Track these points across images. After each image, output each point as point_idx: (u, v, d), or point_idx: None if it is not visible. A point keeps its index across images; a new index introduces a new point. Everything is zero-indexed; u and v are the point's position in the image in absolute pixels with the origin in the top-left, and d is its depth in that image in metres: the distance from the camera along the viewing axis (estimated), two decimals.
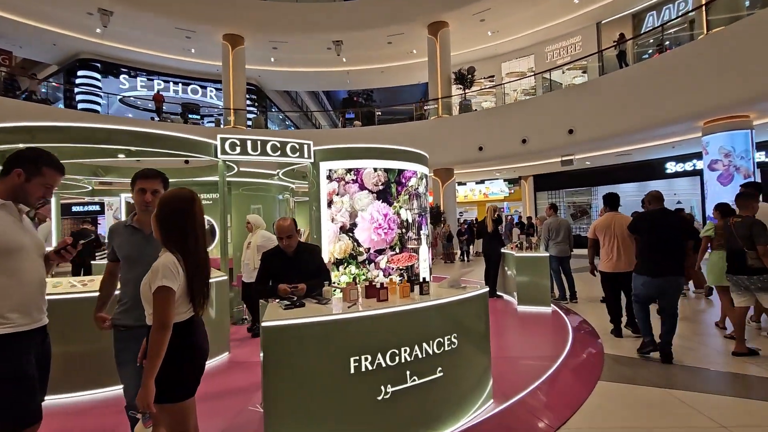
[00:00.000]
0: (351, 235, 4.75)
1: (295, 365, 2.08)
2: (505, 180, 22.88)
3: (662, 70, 11.26)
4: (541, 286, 6.09)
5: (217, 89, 23.64)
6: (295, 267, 2.77)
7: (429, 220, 5.67)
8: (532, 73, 18.75)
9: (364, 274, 4.76)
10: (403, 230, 5.02)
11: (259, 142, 4.46)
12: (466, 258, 15.56)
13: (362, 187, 4.81)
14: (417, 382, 2.39)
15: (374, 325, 2.29)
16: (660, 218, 3.91)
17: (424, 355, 2.43)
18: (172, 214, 1.68)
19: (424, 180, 5.47)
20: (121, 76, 23.00)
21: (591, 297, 7.11)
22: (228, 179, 6.10)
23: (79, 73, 21.54)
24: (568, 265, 6.81)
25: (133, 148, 3.83)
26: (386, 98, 31.63)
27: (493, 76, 22.08)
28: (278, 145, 4.58)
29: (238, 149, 4.34)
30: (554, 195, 21.40)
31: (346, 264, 4.73)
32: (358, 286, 2.73)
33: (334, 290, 2.71)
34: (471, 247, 16.34)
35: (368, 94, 34.33)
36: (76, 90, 21.05)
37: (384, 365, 2.28)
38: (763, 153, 14.05)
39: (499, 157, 16.13)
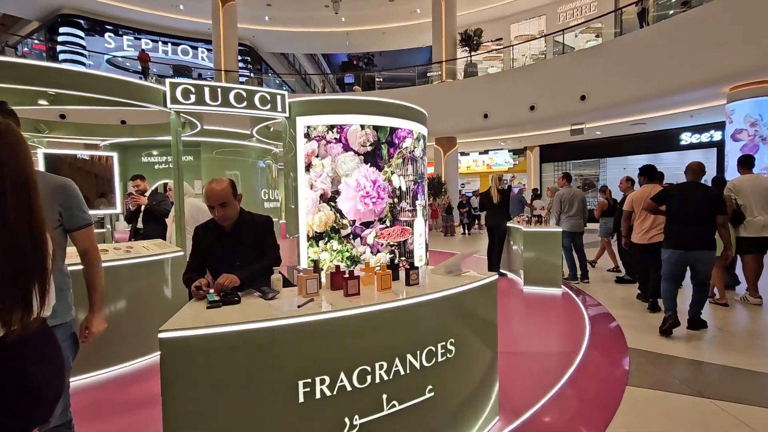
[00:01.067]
0: (333, 204, 4.02)
1: (212, 396, 1.39)
2: (509, 150, 21.89)
3: (685, 31, 10.22)
4: (552, 265, 5.42)
5: (208, 50, 22.32)
6: (235, 247, 2.05)
7: (427, 189, 4.92)
8: (543, 35, 17.41)
9: (348, 251, 4.07)
10: (395, 200, 4.28)
11: (219, 90, 3.65)
12: (467, 231, 14.89)
13: (347, 148, 4.04)
14: (397, 408, 1.72)
15: (337, 333, 1.60)
16: (692, 191, 3.76)
17: (408, 371, 1.75)
18: None
19: (421, 141, 4.67)
20: (106, 35, 21.67)
21: (603, 277, 6.45)
22: (195, 139, 5.31)
23: (62, 30, 20.27)
24: (580, 242, 6.12)
25: (52, 91, 3.04)
26: (388, 64, 30.12)
27: (501, 39, 20.72)
28: (243, 94, 3.77)
29: (192, 98, 3.55)
30: (561, 167, 20.50)
31: (327, 239, 4.02)
32: (322, 272, 2.01)
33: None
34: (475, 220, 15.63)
35: (369, 58, 32.71)
36: (59, 49, 19.81)
37: (350, 388, 1.59)
38: None
39: (505, 125, 15.22)
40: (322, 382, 1.54)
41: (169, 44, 23.87)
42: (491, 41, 20.79)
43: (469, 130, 15.84)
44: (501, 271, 6.47)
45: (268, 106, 3.93)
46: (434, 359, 1.84)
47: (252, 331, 1.44)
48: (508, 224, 6.43)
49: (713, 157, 15.46)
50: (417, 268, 1.99)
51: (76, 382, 2.85)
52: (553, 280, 5.40)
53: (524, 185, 21.00)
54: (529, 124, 15.16)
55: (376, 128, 4.15)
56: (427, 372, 1.82)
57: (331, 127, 4.03)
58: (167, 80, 3.50)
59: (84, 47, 20.95)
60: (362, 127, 4.09)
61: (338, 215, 4.04)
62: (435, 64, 17.66)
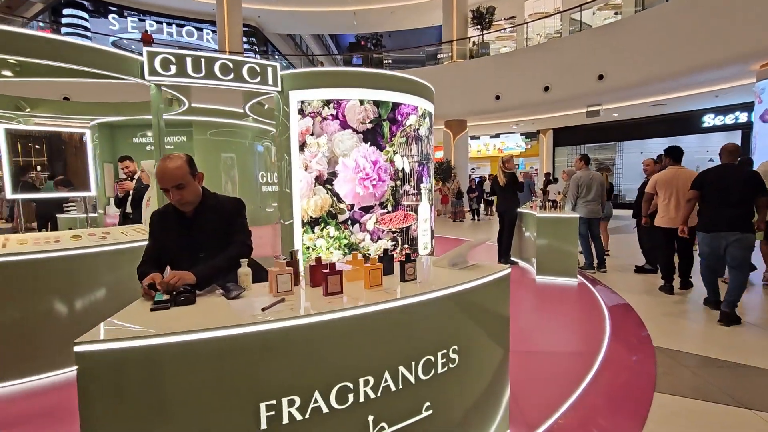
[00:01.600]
0: (329, 187, 3.69)
1: (145, 424, 1.09)
2: (521, 134, 21.21)
3: (711, 5, 9.51)
4: (567, 254, 5.04)
5: (213, 31, 21.85)
6: (198, 235, 1.74)
7: (432, 171, 4.56)
8: (558, 11, 16.56)
9: (345, 238, 3.75)
10: (398, 182, 3.93)
11: (203, 61, 3.30)
12: (476, 217, 14.48)
13: (344, 125, 3.68)
14: (387, 431, 1.41)
15: (311, 342, 1.28)
16: (728, 172, 3.62)
17: (400, 387, 1.44)
18: None
19: (427, 119, 4.29)
20: (110, 16, 21.37)
21: (621, 266, 6.06)
22: (186, 118, 5.00)
23: (65, 11, 20.02)
24: (597, 229, 5.72)
25: (13, 59, 2.72)
26: (397, 45, 29.29)
27: (514, 17, 19.86)
28: (230, 65, 3.42)
29: (173, 69, 3.21)
30: (575, 151, 19.81)
31: (323, 224, 3.71)
32: (302, 265, 1.69)
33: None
34: (482, 205, 15.20)
35: (377, 38, 31.82)
36: (63, 31, 19.58)
37: (327, 410, 1.29)
38: None
39: (517, 106, 14.62)
40: (291, 403, 1.23)
41: (174, 25, 23.47)
42: (504, 20, 19.96)
43: (480, 112, 15.28)
44: (512, 259, 6.12)
45: (258, 79, 3.58)
46: (433, 371, 1.53)
47: (199, 342, 1.14)
48: (521, 210, 6.05)
49: (737, 140, 14.66)
50: (414, 260, 1.65)
51: (45, 378, 2.62)
52: (568, 270, 5.04)
53: (536, 170, 20.39)
54: (543, 106, 14.54)
55: (376, 103, 3.77)
56: (425, 386, 1.51)
57: (327, 103, 3.67)
58: (144, 49, 3.16)
59: (88, 29, 20.71)
60: (361, 102, 3.72)
61: (335, 199, 3.71)
62: (446, 43, 16.99)
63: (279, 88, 3.70)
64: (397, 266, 1.74)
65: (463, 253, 1.90)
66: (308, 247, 3.72)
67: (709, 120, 15.58)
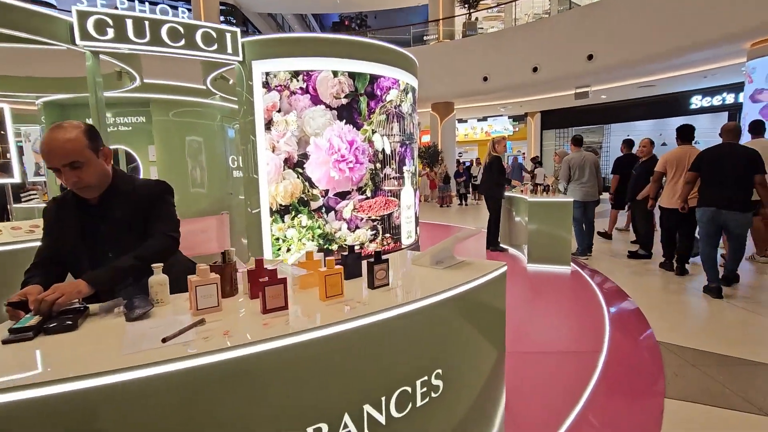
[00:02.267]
0: (300, 171, 3.27)
1: None
2: (509, 117, 20.86)
3: None
4: (560, 240, 4.74)
5: (189, 9, 20.73)
6: (104, 230, 1.33)
7: (417, 153, 4.17)
8: None
9: (320, 228, 3.36)
10: (378, 165, 3.54)
11: (147, 24, 2.82)
12: (464, 202, 14.19)
13: (316, 101, 3.25)
14: None
15: (236, 384, 0.91)
16: (726, 151, 3.66)
17: (366, 431, 1.08)
18: None
19: (410, 95, 3.87)
20: None
21: (615, 252, 5.82)
22: (143, 95, 4.49)
23: None
24: (593, 213, 5.45)
25: None
26: (383, 25, 28.43)
27: None
28: (180, 30, 2.94)
29: (110, 33, 2.73)
30: (563, 134, 19.60)
31: (294, 213, 3.30)
32: (237, 272, 1.29)
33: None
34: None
35: (362, 18, 30.86)
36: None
37: None
38: None
39: (505, 88, 14.24)
40: None
41: (147, 3, 22.29)
42: None
43: (467, 94, 14.86)
44: (501, 246, 5.82)
45: (215, 47, 3.10)
46: (410, 405, 1.17)
47: (52, 398, 0.75)
48: (511, 194, 5.73)
49: (724, 122, 14.62)
50: (386, 261, 1.28)
51: None
52: (561, 257, 4.75)
53: (524, 153, 20.16)
54: (532, 87, 14.19)
55: (352, 76, 3.34)
56: (401, 425, 1.15)
57: (295, 74, 3.22)
58: (74, 8, 2.65)
59: (54, 6, 19.51)
60: (335, 74, 3.28)
61: (307, 184, 3.30)
62: (432, 22, 16.41)
63: (240, 58, 3.24)
64: (365, 267, 1.37)
65: (448, 248, 1.53)
66: (278, 239, 3.32)
67: (696, 101, 15.45)
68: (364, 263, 1.34)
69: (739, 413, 2.05)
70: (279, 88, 3.22)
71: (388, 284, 1.29)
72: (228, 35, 3.15)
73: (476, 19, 15.64)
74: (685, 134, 4.42)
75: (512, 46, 13.31)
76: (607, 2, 11.91)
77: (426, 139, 18.38)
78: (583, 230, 5.47)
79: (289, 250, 3.33)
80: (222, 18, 19.05)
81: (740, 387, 2.27)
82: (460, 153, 20.10)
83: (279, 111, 3.23)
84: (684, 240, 4.38)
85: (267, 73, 3.22)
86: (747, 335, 2.98)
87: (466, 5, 16.34)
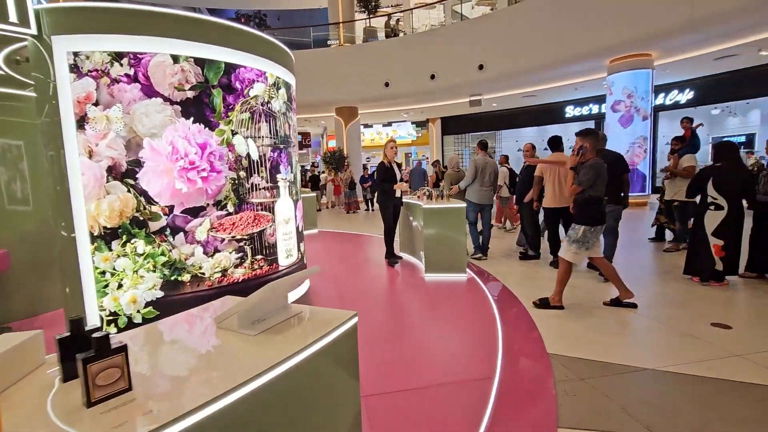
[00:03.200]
0: (132, 182, 2.52)
1: None
2: (412, 123, 21.38)
3: (569, 2, 10.28)
4: (456, 249, 4.59)
5: None
6: None
7: (296, 158, 3.63)
8: (441, 1, 16.73)
9: (164, 254, 2.63)
10: (242, 173, 2.92)
11: None
12: (370, 207, 13.97)
13: (149, 92, 2.53)
14: None
15: None
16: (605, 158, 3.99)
17: None
18: None
19: (283, 91, 3.32)
20: None
21: (506, 251, 5.96)
22: None
23: None
24: (489, 215, 5.52)
25: None
26: (284, 24, 27.26)
27: (400, 4, 19.68)
28: None
29: None
30: (461, 139, 20.68)
31: (125, 237, 2.53)
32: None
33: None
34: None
35: (261, 18, 29.24)
36: None
37: None
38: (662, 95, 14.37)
39: (406, 94, 14.45)
40: None
41: None
42: (390, 6, 19.68)
43: (370, 99, 14.77)
44: (397, 255, 5.56)
45: None
46: None
47: None
48: (408, 200, 5.51)
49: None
50: (107, 355, 0.72)
51: None
52: (457, 266, 4.59)
53: (427, 158, 20.79)
54: (431, 94, 14.60)
55: (200, 63, 2.69)
56: None
57: (118, 56, 2.47)
58: None
59: None
60: (175, 59, 2.60)
61: (142, 199, 2.55)
62: (332, 25, 16.01)
63: (34, 31, 2.38)
64: (80, 366, 0.78)
65: (267, 298, 1.03)
66: (104, 272, 2.52)
67: (570, 111, 17.32)
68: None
69: None
70: (94, 73, 2.43)
71: (129, 388, 0.74)
72: (11, 1, 2.28)
73: (372, 29, 15.63)
74: (554, 144, 5.13)
75: (412, 54, 13.53)
76: (493, 15, 12.72)
77: (332, 144, 17.88)
78: (477, 232, 5.56)
79: (120, 286, 2.54)
80: None
81: (627, 401, 2.15)
82: (367, 158, 19.99)
83: (96, 104, 2.44)
84: (553, 235, 5.04)
85: (76, 54, 2.41)
86: (625, 337, 3.01)
87: (365, 10, 16.27)
